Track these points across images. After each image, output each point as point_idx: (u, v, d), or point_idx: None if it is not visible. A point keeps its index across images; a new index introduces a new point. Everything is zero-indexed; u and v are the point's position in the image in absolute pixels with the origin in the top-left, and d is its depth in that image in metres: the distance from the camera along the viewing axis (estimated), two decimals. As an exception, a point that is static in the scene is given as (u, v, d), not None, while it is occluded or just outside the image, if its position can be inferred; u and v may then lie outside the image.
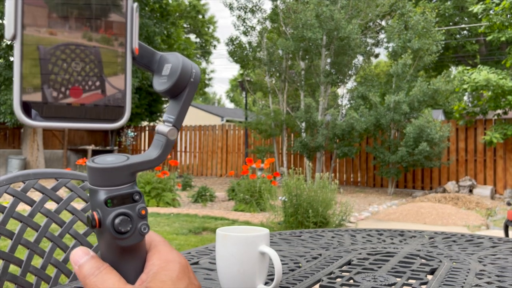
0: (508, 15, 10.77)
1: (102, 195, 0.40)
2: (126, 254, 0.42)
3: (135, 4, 0.39)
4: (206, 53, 27.20)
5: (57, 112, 0.37)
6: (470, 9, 12.75)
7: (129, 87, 0.39)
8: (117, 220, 0.40)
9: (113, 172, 0.41)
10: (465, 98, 17.03)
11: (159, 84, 0.43)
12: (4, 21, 0.35)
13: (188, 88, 0.43)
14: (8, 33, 0.35)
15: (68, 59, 0.37)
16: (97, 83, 0.38)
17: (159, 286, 0.41)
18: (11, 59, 13.77)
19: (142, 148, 16.77)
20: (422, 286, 0.87)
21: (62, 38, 0.37)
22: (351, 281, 0.88)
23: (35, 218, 1.23)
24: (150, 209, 7.06)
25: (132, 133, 15.88)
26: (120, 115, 0.39)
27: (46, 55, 0.36)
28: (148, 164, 0.42)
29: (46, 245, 1.28)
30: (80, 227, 1.38)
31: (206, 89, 32.44)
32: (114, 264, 0.42)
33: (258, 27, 12.58)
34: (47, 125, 0.37)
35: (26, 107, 0.36)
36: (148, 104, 16.49)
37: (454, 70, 19.24)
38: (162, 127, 0.43)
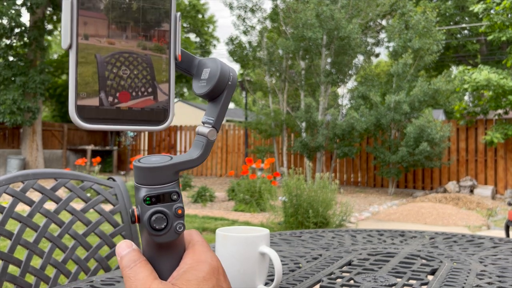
0: (509, 15, 10.76)
1: (143, 192, 0.43)
2: (162, 250, 0.44)
3: (178, 14, 0.42)
4: (206, 53, 27.20)
5: (108, 115, 0.40)
6: (470, 9, 12.74)
7: (173, 92, 0.42)
8: (153, 218, 0.42)
9: (155, 172, 0.43)
10: (466, 98, 17.03)
11: (199, 87, 0.46)
12: (61, 31, 0.39)
13: (227, 91, 0.45)
14: (64, 42, 0.38)
15: (120, 67, 0.40)
16: (147, 89, 0.41)
17: (184, 284, 0.42)
18: (11, 59, 13.77)
19: (142, 148, 16.78)
20: (422, 286, 0.87)
21: (114, 46, 0.40)
22: (352, 281, 0.88)
23: (34, 218, 1.23)
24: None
25: (132, 133, 15.88)
26: (165, 117, 0.42)
27: (100, 63, 0.39)
28: (190, 163, 0.44)
29: (45, 245, 1.28)
30: (80, 227, 1.38)
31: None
32: (151, 259, 0.44)
33: (258, 27, 12.59)
34: (100, 127, 0.40)
35: (80, 111, 0.39)
36: (148, 104, 16.49)
37: (454, 70, 19.23)
38: (202, 128, 0.45)
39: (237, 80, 0.47)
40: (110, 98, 0.40)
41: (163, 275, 0.44)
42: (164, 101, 0.42)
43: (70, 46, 0.38)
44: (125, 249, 0.45)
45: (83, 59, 0.39)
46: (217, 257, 0.46)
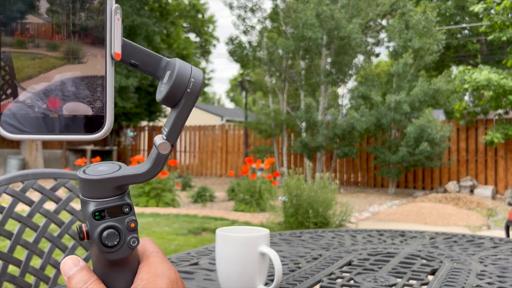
0: (509, 15, 10.76)
1: (91, 207, 0.39)
2: (116, 267, 0.41)
3: (115, 6, 0.37)
4: (205, 53, 27.21)
5: (36, 124, 0.36)
6: (471, 9, 12.74)
7: (110, 96, 0.37)
8: (104, 234, 0.39)
9: (101, 184, 0.39)
10: (466, 98, 17.02)
11: (158, 92, 0.41)
12: None
13: (184, 99, 0.39)
14: None
15: (47, 70, 0.36)
16: (79, 93, 0.37)
17: None
18: None
19: (142, 148, 16.78)
20: (423, 286, 0.86)
21: (35, 48, 0.36)
22: (352, 281, 0.88)
23: (34, 218, 1.23)
24: (150, 210, 7.06)
25: (132, 133, 15.89)
26: (101, 125, 0.37)
27: (21, 67, 0.36)
28: (135, 178, 0.40)
29: (45, 245, 1.28)
30: (79, 227, 1.38)
31: (206, 89, 32.45)
32: (103, 276, 0.41)
33: (258, 27, 12.59)
34: (26, 137, 0.36)
35: (4, 121, 0.35)
36: (147, 103, 16.50)
37: (455, 70, 19.22)
38: (157, 138, 0.40)
39: (200, 87, 0.39)
40: (37, 105, 0.36)
41: None
42: (99, 107, 0.37)
43: None
44: (72, 267, 0.41)
45: (4, 63, 0.35)
46: (173, 268, 0.43)
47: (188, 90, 0.39)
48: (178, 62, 0.40)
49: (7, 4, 0.35)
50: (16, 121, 0.36)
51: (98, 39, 0.37)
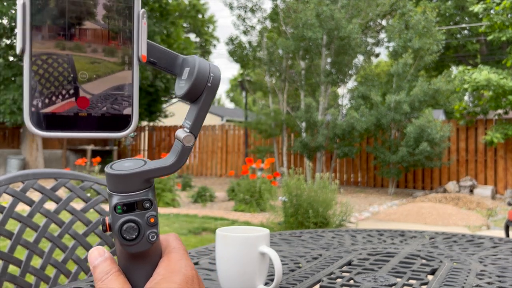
0: (509, 15, 10.76)
1: (114, 200, 0.41)
2: (136, 260, 0.42)
3: (142, 10, 0.39)
4: (206, 53, 27.20)
5: (65, 122, 0.38)
6: (470, 9, 12.74)
7: (136, 95, 0.39)
8: (124, 227, 0.41)
9: (125, 179, 0.41)
10: (466, 98, 17.03)
11: (178, 88, 0.43)
12: (16, 35, 0.37)
13: (206, 93, 0.42)
14: (18, 47, 0.36)
15: (78, 71, 0.38)
16: (107, 93, 0.38)
17: None
18: (11, 58, 13.78)
19: (142, 148, 16.77)
20: (422, 286, 0.87)
21: (70, 51, 0.37)
22: (352, 281, 0.88)
23: (34, 218, 1.23)
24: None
25: (132, 133, 15.89)
26: (128, 123, 0.39)
27: (55, 68, 0.37)
28: (162, 171, 0.42)
29: (45, 245, 1.28)
30: (80, 227, 1.38)
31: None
32: (125, 268, 0.43)
33: (258, 27, 12.59)
34: (55, 135, 0.38)
35: (36, 118, 0.37)
36: (147, 103, 16.50)
37: (454, 70, 19.22)
38: (180, 132, 0.43)
39: (219, 81, 0.42)
40: (67, 104, 0.37)
41: (138, 286, 0.42)
42: (127, 106, 0.39)
43: (23, 51, 0.36)
44: (97, 257, 0.42)
45: (37, 64, 0.37)
46: (192, 264, 0.44)
47: (209, 84, 0.42)
48: (197, 59, 0.42)
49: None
50: (47, 119, 0.37)
51: (126, 43, 0.39)
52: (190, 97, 0.42)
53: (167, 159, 0.42)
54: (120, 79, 0.39)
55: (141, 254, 0.42)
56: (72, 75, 0.38)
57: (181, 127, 0.44)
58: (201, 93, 0.42)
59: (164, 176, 0.43)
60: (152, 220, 0.41)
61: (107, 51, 0.38)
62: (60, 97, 0.37)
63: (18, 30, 0.36)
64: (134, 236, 0.41)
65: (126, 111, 0.39)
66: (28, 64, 0.37)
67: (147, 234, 0.41)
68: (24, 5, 0.36)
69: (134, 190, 0.41)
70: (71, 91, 0.38)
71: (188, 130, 0.42)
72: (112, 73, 0.38)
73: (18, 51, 0.37)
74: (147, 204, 0.41)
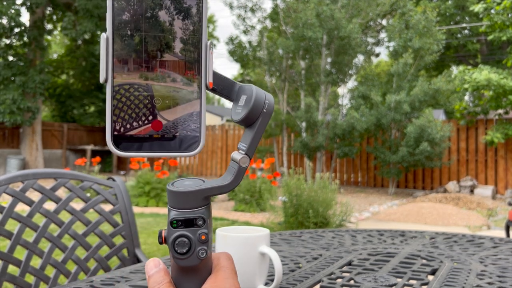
0: (509, 14, 10.76)
1: (171, 215, 0.44)
2: (185, 273, 0.45)
3: (209, 42, 0.43)
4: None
5: (142, 143, 0.42)
6: (471, 9, 12.74)
7: (204, 118, 0.43)
8: (177, 241, 0.44)
9: (183, 196, 0.44)
10: (466, 98, 17.03)
11: (235, 113, 0.47)
12: (100, 63, 0.41)
13: (261, 118, 0.46)
14: (101, 76, 0.41)
15: (153, 97, 0.42)
16: (177, 117, 0.43)
17: None
18: (10, 58, 13.78)
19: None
20: (423, 286, 0.86)
21: (148, 80, 0.42)
22: (352, 281, 0.88)
23: (34, 218, 1.23)
24: (150, 209, 7.06)
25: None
26: (197, 144, 0.43)
27: (134, 95, 0.42)
28: (220, 189, 0.45)
29: (45, 245, 1.28)
30: (79, 228, 1.38)
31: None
32: (176, 280, 0.46)
33: (258, 26, 12.59)
34: (133, 155, 0.42)
35: (117, 141, 0.41)
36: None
37: (455, 70, 19.22)
38: (236, 154, 0.46)
39: (273, 107, 0.47)
40: (144, 127, 0.42)
41: None
42: (196, 128, 0.43)
43: (105, 81, 0.41)
44: (153, 268, 0.46)
45: (118, 91, 0.41)
46: (238, 285, 0.46)
47: (264, 110, 0.46)
48: (254, 87, 0.46)
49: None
50: (126, 140, 0.42)
51: (195, 72, 0.43)
52: (247, 122, 0.46)
53: (224, 179, 0.46)
54: (190, 104, 0.43)
55: (190, 268, 0.44)
56: (149, 102, 0.42)
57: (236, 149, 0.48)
58: (256, 119, 0.46)
59: (222, 194, 0.47)
60: (203, 237, 0.44)
61: (180, 80, 0.43)
62: (139, 122, 0.42)
63: (102, 61, 0.40)
64: (185, 251, 0.43)
65: (195, 133, 0.43)
66: (110, 92, 0.41)
67: (197, 250, 0.44)
68: (107, 39, 0.40)
69: (191, 207, 0.44)
70: (148, 117, 0.42)
71: (244, 152, 0.46)
72: (183, 99, 0.43)
73: (101, 80, 0.41)
74: (200, 222, 0.44)
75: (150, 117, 0.42)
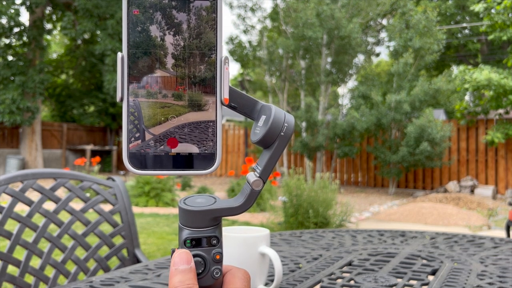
0: (510, 14, 10.75)
1: (185, 234, 0.44)
2: None
3: (224, 57, 0.42)
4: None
5: (157, 161, 0.42)
6: (471, 8, 12.73)
7: (220, 135, 0.42)
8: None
9: (196, 215, 0.43)
10: (467, 97, 17.03)
11: (253, 134, 0.45)
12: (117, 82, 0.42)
13: (278, 141, 0.44)
14: (117, 95, 0.41)
15: (168, 115, 0.42)
16: (194, 134, 0.42)
17: None
18: (10, 58, 13.78)
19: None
20: (423, 287, 0.86)
21: (163, 98, 0.42)
22: (352, 282, 0.88)
23: (33, 218, 1.23)
24: (149, 210, 7.06)
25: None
26: (212, 161, 0.42)
27: (149, 114, 0.41)
28: (230, 211, 0.44)
29: (44, 245, 1.28)
30: (79, 228, 1.38)
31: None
32: None
33: (258, 26, 12.61)
34: (149, 173, 0.41)
35: (133, 158, 0.41)
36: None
37: (455, 70, 19.22)
38: (250, 175, 0.45)
39: (292, 131, 0.45)
40: (159, 145, 0.41)
41: None
42: (211, 145, 0.42)
43: (121, 99, 0.41)
44: (184, 263, 0.43)
45: (134, 110, 0.41)
46: None
47: (282, 133, 0.44)
48: (274, 108, 0.44)
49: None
50: (141, 158, 0.41)
51: (210, 88, 0.42)
52: (264, 143, 0.44)
53: (236, 200, 0.45)
54: (206, 121, 0.42)
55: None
56: (164, 120, 0.42)
57: (252, 170, 0.47)
58: (274, 141, 0.44)
59: (231, 216, 0.45)
60: (217, 257, 0.43)
61: (196, 97, 0.42)
62: (154, 140, 0.42)
63: (118, 80, 0.41)
64: (200, 271, 0.43)
65: (211, 150, 0.42)
66: (126, 111, 0.41)
67: (212, 270, 0.43)
68: (122, 58, 0.41)
69: (204, 227, 0.43)
70: (163, 134, 0.42)
71: (258, 175, 0.44)
72: (199, 116, 0.42)
73: (118, 99, 0.41)
74: (214, 241, 0.44)
75: (167, 135, 0.42)
